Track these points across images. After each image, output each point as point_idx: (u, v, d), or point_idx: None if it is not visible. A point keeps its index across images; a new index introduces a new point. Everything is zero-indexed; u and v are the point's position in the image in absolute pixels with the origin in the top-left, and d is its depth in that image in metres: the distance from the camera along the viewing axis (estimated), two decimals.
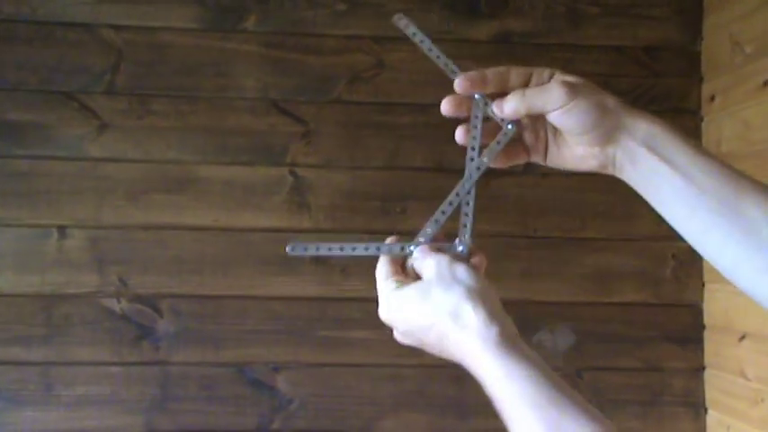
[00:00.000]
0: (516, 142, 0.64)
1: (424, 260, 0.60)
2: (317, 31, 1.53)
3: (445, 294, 0.55)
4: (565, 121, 0.59)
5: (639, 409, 1.55)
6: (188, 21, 1.51)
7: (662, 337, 1.56)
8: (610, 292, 1.55)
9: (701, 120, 1.58)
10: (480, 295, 0.55)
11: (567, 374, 1.54)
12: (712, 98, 1.55)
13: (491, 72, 0.64)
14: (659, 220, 1.62)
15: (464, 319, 0.54)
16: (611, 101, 0.59)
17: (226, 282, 1.49)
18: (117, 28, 1.50)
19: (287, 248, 0.63)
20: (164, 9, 1.51)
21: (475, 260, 0.61)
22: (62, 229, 1.47)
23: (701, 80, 1.59)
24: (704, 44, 1.59)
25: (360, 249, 0.63)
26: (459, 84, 0.65)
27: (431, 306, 0.56)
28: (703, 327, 1.56)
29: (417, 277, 0.60)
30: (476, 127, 0.64)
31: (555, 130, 0.62)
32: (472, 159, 0.64)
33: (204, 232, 1.50)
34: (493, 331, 0.53)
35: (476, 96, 0.65)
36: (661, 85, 1.58)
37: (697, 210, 0.57)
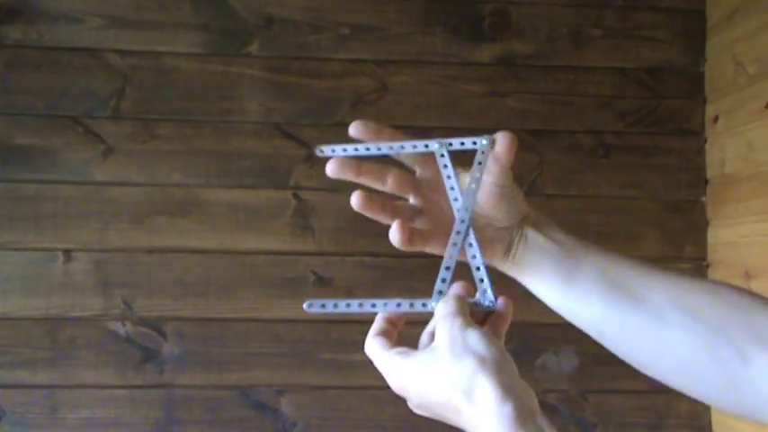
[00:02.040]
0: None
1: (439, 321, 0.55)
2: (320, 55, 1.54)
3: (457, 367, 0.51)
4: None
5: (645, 431, 1.54)
6: (192, 46, 1.53)
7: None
8: None
9: (705, 141, 1.58)
10: (494, 366, 0.50)
11: (573, 397, 1.53)
12: (716, 119, 1.55)
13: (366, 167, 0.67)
14: (662, 240, 1.62)
15: (477, 395, 0.49)
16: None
17: (230, 305, 1.50)
18: (122, 53, 1.52)
19: (304, 306, 0.60)
20: (168, 34, 1.53)
21: (500, 306, 0.59)
22: (67, 253, 1.48)
23: (704, 101, 1.59)
24: (707, 65, 1.59)
25: (379, 306, 0.60)
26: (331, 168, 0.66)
27: (442, 380, 0.51)
28: None
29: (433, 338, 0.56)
30: (449, 177, 0.63)
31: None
32: (456, 199, 0.63)
33: (208, 255, 1.50)
34: (507, 408, 0.48)
35: (435, 146, 0.64)
36: (664, 106, 1.58)
37: (598, 302, 0.60)
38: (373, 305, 0.60)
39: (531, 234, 0.63)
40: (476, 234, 0.61)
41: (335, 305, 0.61)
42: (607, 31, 1.59)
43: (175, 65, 1.52)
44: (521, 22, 1.58)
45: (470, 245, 0.61)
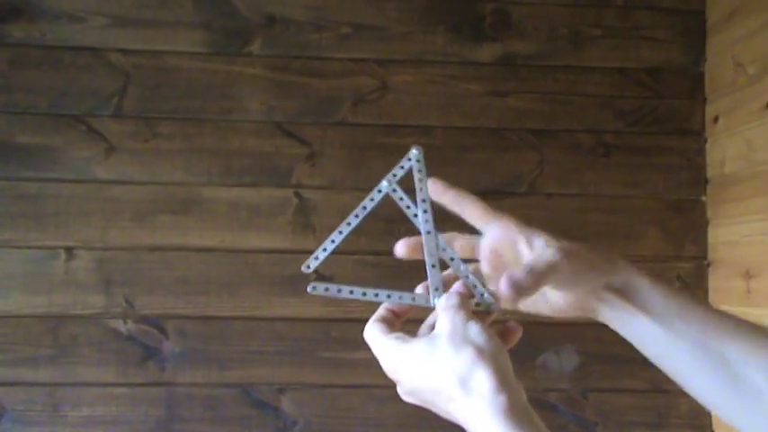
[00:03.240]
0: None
1: (441, 312, 0.56)
2: (321, 55, 1.55)
3: (455, 355, 0.51)
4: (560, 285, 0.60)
5: (646, 431, 1.54)
6: (194, 45, 1.53)
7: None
8: None
9: (705, 141, 1.58)
10: (492, 358, 0.51)
11: (573, 396, 1.53)
12: (716, 119, 1.55)
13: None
14: (662, 239, 1.62)
15: (472, 384, 0.50)
16: (597, 257, 0.60)
17: (231, 303, 1.50)
18: (124, 52, 1.52)
19: (308, 287, 0.61)
20: (170, 33, 1.53)
21: (511, 325, 0.58)
22: (69, 251, 1.49)
23: (704, 101, 1.59)
24: (707, 65, 1.59)
25: (382, 296, 0.60)
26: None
27: (439, 367, 0.52)
28: None
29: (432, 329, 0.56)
30: (408, 207, 0.64)
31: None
32: (415, 215, 0.63)
33: (210, 253, 1.51)
34: (501, 399, 0.49)
35: (384, 184, 0.66)
36: (664, 106, 1.59)
37: (677, 355, 0.58)
38: (376, 295, 0.61)
39: (616, 302, 0.60)
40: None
41: (339, 290, 0.61)
42: (607, 30, 1.59)
43: (177, 64, 1.53)
44: (521, 21, 1.58)
45: (452, 258, 0.62)
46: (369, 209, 0.65)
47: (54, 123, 1.50)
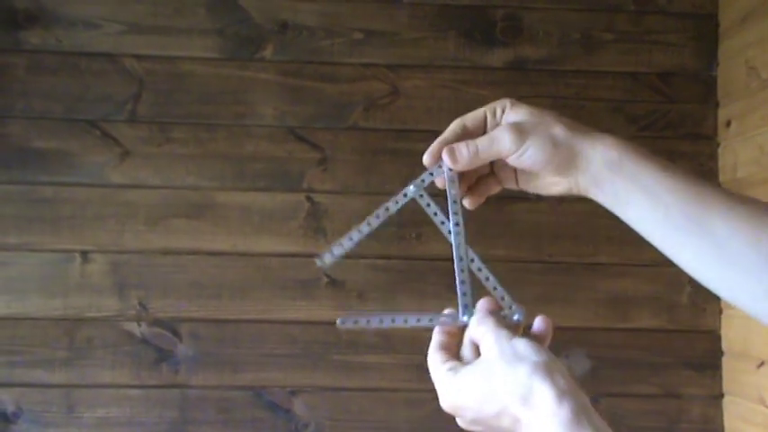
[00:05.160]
0: (488, 175, 0.66)
1: (483, 336, 0.56)
2: (333, 60, 1.56)
3: (511, 375, 0.51)
4: (520, 163, 0.60)
5: None
6: (207, 50, 1.55)
7: (679, 363, 1.55)
8: (625, 318, 1.54)
9: (717, 145, 1.58)
10: (547, 369, 0.50)
11: None
12: (728, 123, 1.55)
13: (449, 134, 0.64)
14: None
15: (534, 399, 0.49)
16: (561, 132, 0.59)
17: (243, 306, 1.52)
18: (139, 58, 1.54)
19: (338, 322, 0.61)
20: (184, 39, 1.55)
21: (539, 328, 0.58)
22: (85, 254, 1.51)
23: (716, 105, 1.59)
24: (720, 69, 1.59)
25: (412, 321, 0.60)
26: (425, 160, 0.65)
27: (497, 389, 0.51)
28: (721, 353, 1.55)
29: (477, 352, 0.57)
30: (435, 214, 0.64)
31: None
32: (443, 222, 0.63)
33: (222, 257, 1.52)
34: (565, 408, 0.48)
35: (412, 189, 0.65)
36: (676, 110, 1.58)
37: (666, 229, 0.57)
38: (405, 320, 0.61)
39: (602, 176, 0.59)
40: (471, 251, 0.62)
41: (368, 321, 0.61)
42: (619, 35, 1.59)
43: (191, 69, 1.55)
44: (533, 26, 1.58)
45: (479, 269, 0.62)
46: (392, 210, 0.65)
47: (70, 128, 1.52)
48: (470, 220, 0.64)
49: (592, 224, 1.55)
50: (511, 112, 0.62)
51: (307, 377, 1.52)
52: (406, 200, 0.65)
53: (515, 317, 0.60)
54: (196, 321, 1.51)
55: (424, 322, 0.60)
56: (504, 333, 0.55)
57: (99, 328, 1.50)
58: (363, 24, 1.57)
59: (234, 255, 1.52)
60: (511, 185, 0.66)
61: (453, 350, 0.59)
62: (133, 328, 1.50)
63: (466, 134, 0.64)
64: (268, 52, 1.56)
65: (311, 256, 1.52)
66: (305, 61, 1.56)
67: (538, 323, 0.59)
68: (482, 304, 0.60)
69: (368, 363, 1.52)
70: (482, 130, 0.63)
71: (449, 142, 0.64)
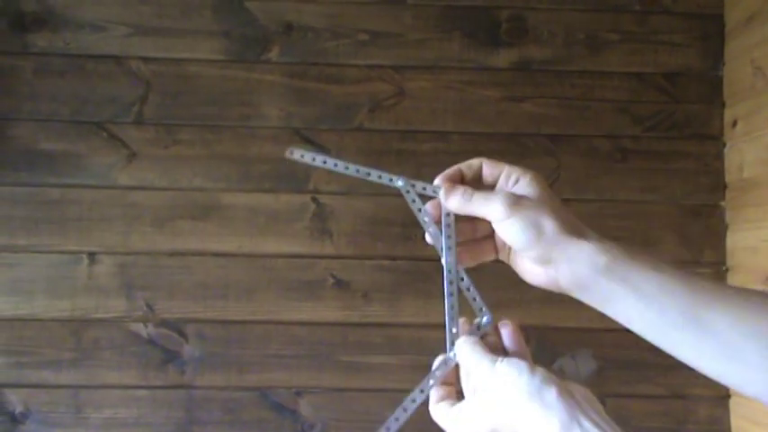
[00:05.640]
0: (487, 239, 0.66)
1: (469, 368, 0.59)
2: (338, 61, 1.57)
3: (502, 402, 0.54)
4: (502, 234, 0.60)
5: None
6: (213, 52, 1.56)
7: (686, 364, 1.54)
8: None
9: (724, 146, 1.58)
10: (534, 391, 0.54)
11: None
12: (734, 124, 1.55)
13: (466, 167, 0.65)
14: (680, 245, 1.61)
15: (547, 397, 0.53)
16: (550, 226, 0.58)
17: (249, 307, 1.52)
18: (145, 60, 1.55)
19: (287, 152, 0.66)
20: (190, 41, 1.56)
21: (508, 339, 0.60)
22: (92, 256, 1.51)
23: (722, 106, 1.58)
24: (726, 69, 1.59)
25: (361, 172, 0.66)
26: (437, 179, 0.66)
27: (495, 417, 0.54)
28: None
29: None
30: (419, 210, 0.65)
31: None
32: (426, 221, 0.65)
33: (229, 258, 1.53)
34: (554, 419, 0.52)
35: (400, 183, 0.67)
36: (682, 111, 1.58)
37: (662, 327, 0.56)
38: (354, 169, 0.66)
39: (590, 279, 0.58)
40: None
41: (314, 159, 0.67)
42: (624, 35, 1.59)
43: (197, 71, 1.55)
44: (537, 27, 1.58)
45: (461, 278, 0.63)
46: (372, 177, 0.67)
47: (77, 130, 1.53)
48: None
49: (600, 225, 1.53)
50: (522, 184, 0.62)
51: (313, 378, 1.52)
52: (390, 183, 0.67)
53: (484, 319, 0.61)
54: (202, 322, 1.52)
55: (425, 389, 0.62)
56: (486, 360, 0.56)
57: (106, 329, 1.51)
58: (368, 26, 1.57)
59: (240, 256, 1.53)
60: (503, 258, 0.66)
61: (453, 394, 0.61)
62: (140, 329, 1.51)
63: (480, 175, 0.65)
64: (274, 54, 1.56)
65: (317, 257, 1.53)
66: (310, 63, 1.57)
67: (505, 335, 0.61)
68: (461, 330, 0.62)
69: (374, 363, 1.52)
70: (494, 184, 0.64)
71: (463, 171, 0.65)
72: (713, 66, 1.59)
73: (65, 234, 1.51)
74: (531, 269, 0.61)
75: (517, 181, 0.62)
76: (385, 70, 1.57)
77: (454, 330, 0.62)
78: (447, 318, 0.62)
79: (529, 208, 0.59)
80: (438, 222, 0.64)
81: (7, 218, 1.51)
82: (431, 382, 0.61)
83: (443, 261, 0.63)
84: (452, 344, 0.61)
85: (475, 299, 0.62)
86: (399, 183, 0.66)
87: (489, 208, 0.60)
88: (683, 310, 0.55)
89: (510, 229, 0.59)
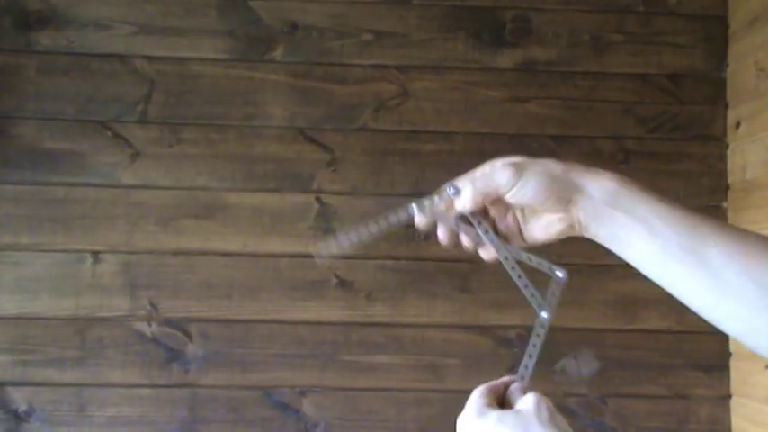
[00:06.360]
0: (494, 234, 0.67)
1: (522, 395, 0.61)
2: (343, 61, 1.57)
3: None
4: (520, 198, 0.62)
5: None
6: (218, 52, 1.56)
7: (687, 364, 1.55)
8: (634, 319, 1.55)
9: (727, 147, 1.58)
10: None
11: (592, 401, 1.54)
12: (737, 125, 1.55)
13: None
14: None
15: None
16: (557, 167, 0.61)
17: (253, 306, 1.52)
18: (149, 59, 1.55)
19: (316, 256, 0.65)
20: (195, 40, 1.56)
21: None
22: (96, 255, 1.52)
23: (726, 107, 1.59)
24: (729, 71, 1.59)
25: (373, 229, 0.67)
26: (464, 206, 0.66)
27: None
28: (729, 354, 1.55)
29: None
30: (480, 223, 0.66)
31: (520, 208, 0.65)
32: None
33: (233, 258, 1.53)
34: None
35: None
36: (686, 112, 1.59)
37: (663, 261, 0.59)
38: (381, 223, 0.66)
39: (601, 210, 0.61)
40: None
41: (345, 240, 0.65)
42: (628, 36, 1.59)
43: (201, 70, 1.55)
44: (542, 28, 1.59)
45: (513, 268, 0.66)
46: (392, 221, 0.67)
47: (81, 129, 1.53)
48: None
49: None
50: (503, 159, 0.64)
51: (316, 377, 1.52)
52: (408, 214, 0.67)
53: (559, 274, 0.64)
54: (206, 321, 1.52)
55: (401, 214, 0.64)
56: (544, 399, 0.59)
57: (110, 328, 1.51)
58: (373, 25, 1.57)
59: (244, 255, 1.53)
60: (516, 241, 0.67)
61: (492, 403, 0.62)
62: (144, 327, 1.51)
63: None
64: (278, 53, 1.56)
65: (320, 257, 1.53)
66: (314, 62, 1.57)
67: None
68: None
69: (377, 363, 1.53)
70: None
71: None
72: (717, 67, 1.60)
73: (69, 233, 1.52)
74: (553, 220, 0.63)
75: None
76: (389, 70, 1.57)
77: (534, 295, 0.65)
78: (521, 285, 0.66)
79: (532, 164, 0.62)
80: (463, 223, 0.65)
81: (11, 216, 1.51)
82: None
83: (502, 259, 0.65)
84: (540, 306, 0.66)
85: (534, 295, 0.66)
86: (413, 207, 0.66)
87: (497, 179, 0.62)
88: (682, 243, 0.58)
89: (525, 187, 0.61)
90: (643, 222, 0.59)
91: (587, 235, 0.62)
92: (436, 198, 0.66)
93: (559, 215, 0.62)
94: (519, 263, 0.65)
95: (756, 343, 0.59)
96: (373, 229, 0.67)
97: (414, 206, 0.66)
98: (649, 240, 0.59)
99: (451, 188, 0.64)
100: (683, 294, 0.60)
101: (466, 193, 0.63)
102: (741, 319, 0.58)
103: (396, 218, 0.67)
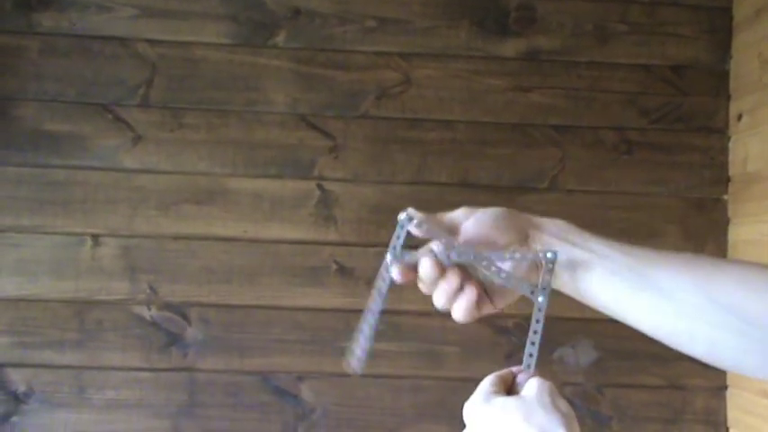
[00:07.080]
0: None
1: (533, 382, 0.62)
2: (346, 48, 1.56)
3: (546, 418, 0.57)
4: (480, 225, 0.64)
5: (661, 426, 1.55)
6: (220, 36, 1.55)
7: (684, 355, 1.54)
8: None
9: (728, 139, 1.58)
10: (574, 425, 0.57)
11: (589, 390, 1.55)
12: (740, 117, 1.55)
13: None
14: (683, 237, 1.62)
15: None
16: (512, 211, 0.65)
17: (253, 292, 1.53)
18: (152, 42, 1.54)
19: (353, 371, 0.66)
20: (197, 24, 1.55)
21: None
22: (96, 238, 1.52)
23: (728, 99, 1.58)
24: (733, 63, 1.58)
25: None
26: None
27: (532, 426, 0.57)
28: None
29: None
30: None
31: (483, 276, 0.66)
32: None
33: (233, 243, 1.53)
34: None
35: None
36: (689, 103, 1.58)
37: (614, 285, 0.61)
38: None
39: (557, 246, 0.64)
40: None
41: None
42: (632, 27, 1.59)
43: (203, 55, 1.55)
44: (546, 17, 1.58)
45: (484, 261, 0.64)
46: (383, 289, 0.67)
47: (82, 112, 1.53)
48: None
49: (603, 216, 1.55)
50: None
51: (314, 363, 1.53)
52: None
53: (548, 255, 0.63)
54: (205, 306, 1.52)
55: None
56: (547, 383, 0.61)
57: (109, 311, 1.51)
58: (376, 12, 1.57)
59: (244, 241, 1.53)
60: (488, 310, 0.68)
61: (501, 391, 0.63)
62: (143, 311, 1.52)
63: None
64: (281, 39, 1.56)
65: (321, 243, 1.53)
66: (317, 48, 1.56)
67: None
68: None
69: (375, 350, 1.50)
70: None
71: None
72: (720, 59, 1.59)
73: (69, 215, 1.52)
74: (513, 264, 0.65)
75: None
76: (392, 57, 1.56)
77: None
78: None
79: (485, 208, 0.65)
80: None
81: (12, 198, 1.51)
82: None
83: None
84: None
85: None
86: (387, 258, 0.67)
87: (454, 214, 0.65)
88: (632, 266, 0.61)
89: (477, 215, 0.64)
90: (593, 252, 0.62)
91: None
92: (396, 239, 0.67)
93: (518, 255, 0.64)
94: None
95: (722, 361, 0.62)
96: (371, 320, 0.68)
97: (388, 257, 0.66)
98: (599, 264, 0.61)
99: (404, 214, 0.65)
100: (641, 321, 0.62)
101: (419, 215, 0.65)
102: (703, 339, 0.60)
103: (383, 283, 0.68)
